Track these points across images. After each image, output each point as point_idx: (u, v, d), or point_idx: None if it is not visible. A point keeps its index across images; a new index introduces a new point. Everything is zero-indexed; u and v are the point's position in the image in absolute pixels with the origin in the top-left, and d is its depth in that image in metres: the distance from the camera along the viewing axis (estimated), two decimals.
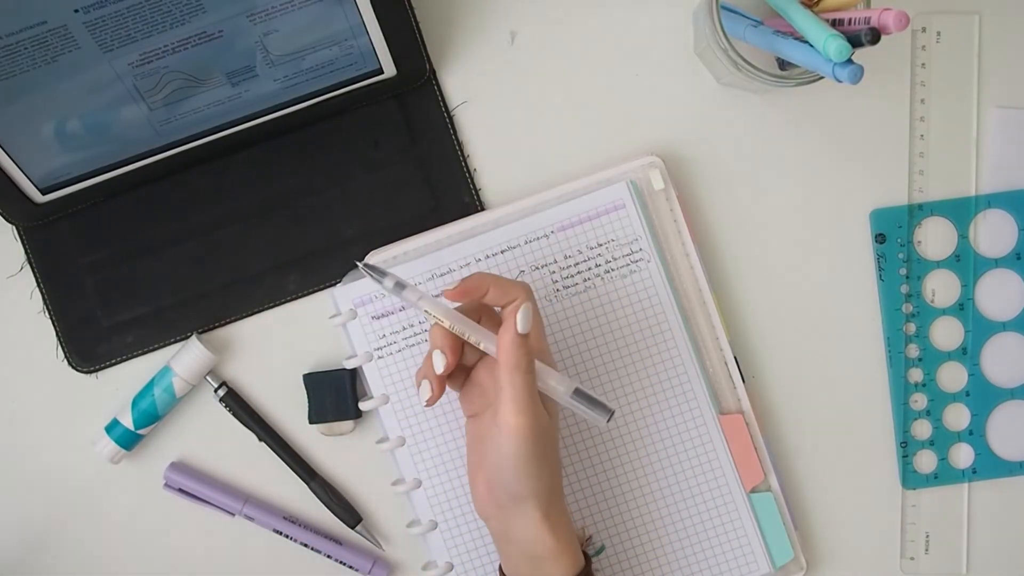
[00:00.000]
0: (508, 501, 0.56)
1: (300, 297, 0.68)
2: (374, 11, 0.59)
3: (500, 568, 0.59)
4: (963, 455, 0.68)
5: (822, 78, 0.58)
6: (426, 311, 0.56)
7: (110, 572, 0.68)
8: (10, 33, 0.53)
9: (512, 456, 0.54)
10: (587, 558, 0.59)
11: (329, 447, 0.68)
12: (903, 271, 0.68)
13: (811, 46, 0.56)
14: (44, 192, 0.63)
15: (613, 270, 0.65)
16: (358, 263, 0.58)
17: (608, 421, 0.55)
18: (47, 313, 0.67)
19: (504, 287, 0.56)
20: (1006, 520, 0.69)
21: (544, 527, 0.56)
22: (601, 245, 0.65)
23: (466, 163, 0.67)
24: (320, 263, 0.67)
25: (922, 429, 0.68)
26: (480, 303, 0.57)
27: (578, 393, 0.56)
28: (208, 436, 0.68)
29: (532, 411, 0.54)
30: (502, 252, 0.65)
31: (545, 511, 0.56)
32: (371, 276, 0.57)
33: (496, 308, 0.57)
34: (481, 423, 0.57)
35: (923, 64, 0.68)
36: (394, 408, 0.65)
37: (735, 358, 0.66)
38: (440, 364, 0.56)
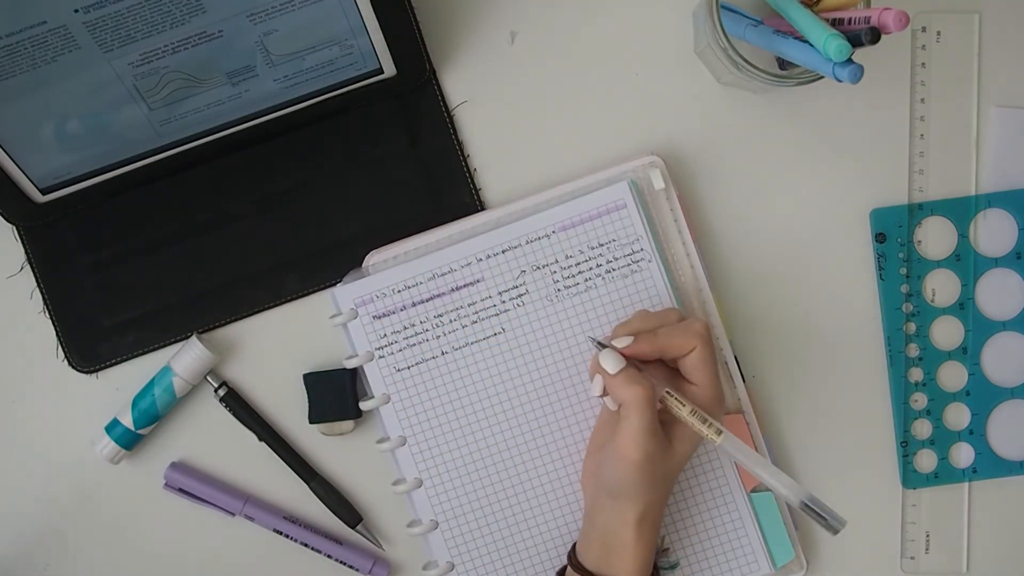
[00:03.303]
0: (607, 495, 0.58)
1: (300, 297, 0.68)
2: (374, 11, 0.59)
3: (574, 546, 0.61)
4: (963, 454, 0.68)
5: (822, 78, 0.58)
6: (667, 392, 0.58)
7: (110, 572, 0.68)
8: (10, 33, 0.53)
9: (621, 476, 0.57)
10: (656, 571, 0.61)
11: (329, 447, 0.68)
12: (903, 270, 0.68)
13: (811, 46, 0.56)
14: (44, 192, 0.63)
15: (614, 270, 0.65)
16: (593, 340, 0.60)
17: (836, 534, 0.56)
18: (47, 313, 0.67)
19: (679, 341, 0.58)
20: (1006, 519, 0.69)
21: (630, 530, 0.58)
22: (602, 245, 0.65)
23: (466, 163, 0.67)
24: (320, 263, 0.67)
25: (922, 428, 0.68)
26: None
27: (812, 501, 0.56)
28: (208, 436, 0.68)
29: (646, 446, 0.56)
30: (503, 252, 0.65)
31: (640, 517, 0.58)
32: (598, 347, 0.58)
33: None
34: (615, 417, 0.59)
35: (923, 64, 0.68)
36: (395, 408, 0.65)
37: (735, 358, 0.66)
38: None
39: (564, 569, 0.61)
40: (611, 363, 0.57)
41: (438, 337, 0.65)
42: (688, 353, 0.58)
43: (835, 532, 0.55)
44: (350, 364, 0.66)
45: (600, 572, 0.59)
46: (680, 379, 0.59)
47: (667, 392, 0.58)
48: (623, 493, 0.58)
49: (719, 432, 0.57)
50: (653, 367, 0.59)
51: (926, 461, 0.69)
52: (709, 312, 0.66)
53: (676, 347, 0.58)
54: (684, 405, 0.57)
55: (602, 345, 0.59)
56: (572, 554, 0.61)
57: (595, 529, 0.59)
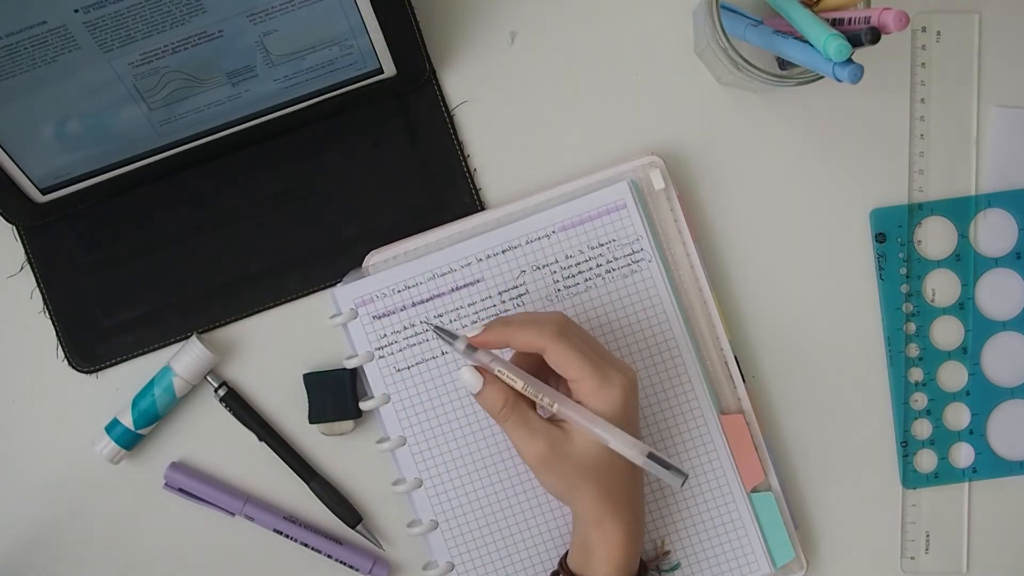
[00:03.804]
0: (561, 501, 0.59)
1: (300, 297, 0.68)
2: (374, 11, 0.59)
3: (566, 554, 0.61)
4: (963, 454, 0.68)
5: (822, 78, 0.58)
6: (499, 371, 0.56)
7: (110, 572, 0.68)
8: (10, 33, 0.53)
9: (539, 480, 0.58)
10: (644, 569, 0.60)
11: (329, 447, 0.68)
12: (903, 270, 0.68)
13: (811, 46, 0.56)
14: (44, 192, 0.63)
15: (614, 270, 0.65)
16: (427, 324, 0.60)
17: (682, 485, 0.56)
18: (47, 313, 0.67)
19: (527, 336, 0.56)
20: (1006, 519, 0.69)
21: (593, 530, 0.57)
22: (602, 245, 0.65)
23: (466, 163, 0.67)
24: (320, 263, 0.67)
25: (922, 428, 0.68)
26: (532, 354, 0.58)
27: (652, 457, 0.55)
28: (208, 436, 0.68)
29: (531, 447, 0.56)
30: (503, 252, 0.65)
31: (595, 517, 0.57)
32: (442, 338, 0.57)
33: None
34: None
35: (923, 63, 0.68)
36: (395, 408, 0.65)
37: (735, 358, 0.66)
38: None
39: (557, 573, 0.61)
40: (469, 383, 0.56)
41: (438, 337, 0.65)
42: (545, 352, 0.56)
43: (680, 484, 0.55)
44: (350, 364, 0.66)
45: (582, 574, 0.59)
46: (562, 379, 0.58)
47: (498, 371, 0.56)
48: (561, 496, 0.58)
49: (552, 403, 0.56)
50: (526, 363, 0.58)
51: (926, 461, 0.69)
52: (709, 312, 0.66)
53: (524, 342, 0.56)
54: (516, 380, 0.56)
55: (440, 330, 0.57)
56: (563, 557, 0.61)
57: (575, 533, 0.60)
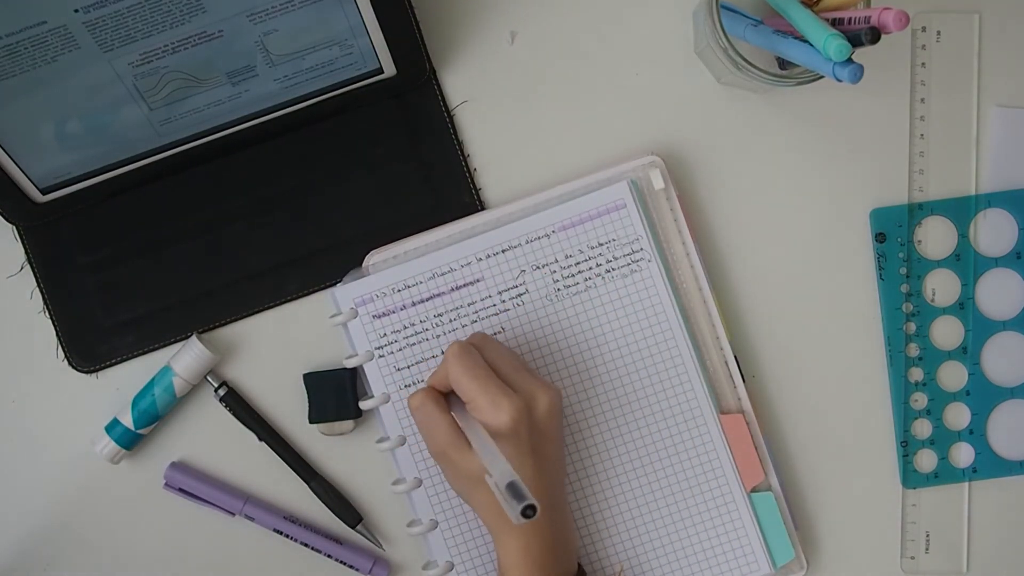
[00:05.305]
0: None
1: (300, 297, 0.68)
2: (374, 11, 0.59)
3: None
4: (963, 454, 0.68)
5: (822, 78, 0.58)
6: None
7: (110, 572, 0.68)
8: (10, 33, 0.53)
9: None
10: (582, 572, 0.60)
11: (329, 447, 0.68)
12: (903, 270, 0.68)
13: (811, 45, 0.56)
14: (44, 192, 0.63)
15: (614, 270, 0.65)
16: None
17: (517, 520, 0.49)
18: (47, 313, 0.67)
19: (439, 375, 0.60)
20: (1007, 519, 0.69)
21: (495, 540, 0.58)
22: (602, 245, 0.65)
23: (466, 163, 0.67)
24: (320, 263, 0.67)
25: (922, 428, 0.68)
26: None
27: (512, 486, 0.50)
28: (208, 436, 0.68)
29: (432, 442, 0.59)
30: (502, 252, 0.65)
31: (493, 528, 0.58)
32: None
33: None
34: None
35: (923, 63, 0.68)
36: (395, 407, 0.65)
37: (735, 358, 0.66)
38: None
39: None
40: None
41: (438, 336, 0.65)
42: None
43: (516, 516, 0.49)
44: (350, 364, 0.66)
45: None
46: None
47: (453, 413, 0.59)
48: (462, 498, 0.61)
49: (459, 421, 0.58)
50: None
51: (926, 461, 0.69)
52: (709, 312, 0.66)
53: (439, 377, 0.59)
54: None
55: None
56: None
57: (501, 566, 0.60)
